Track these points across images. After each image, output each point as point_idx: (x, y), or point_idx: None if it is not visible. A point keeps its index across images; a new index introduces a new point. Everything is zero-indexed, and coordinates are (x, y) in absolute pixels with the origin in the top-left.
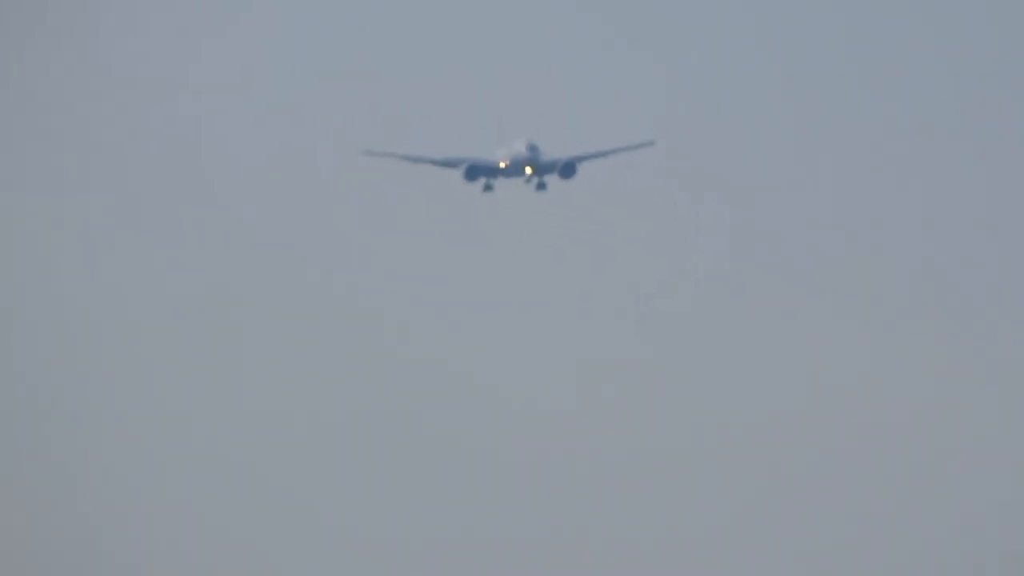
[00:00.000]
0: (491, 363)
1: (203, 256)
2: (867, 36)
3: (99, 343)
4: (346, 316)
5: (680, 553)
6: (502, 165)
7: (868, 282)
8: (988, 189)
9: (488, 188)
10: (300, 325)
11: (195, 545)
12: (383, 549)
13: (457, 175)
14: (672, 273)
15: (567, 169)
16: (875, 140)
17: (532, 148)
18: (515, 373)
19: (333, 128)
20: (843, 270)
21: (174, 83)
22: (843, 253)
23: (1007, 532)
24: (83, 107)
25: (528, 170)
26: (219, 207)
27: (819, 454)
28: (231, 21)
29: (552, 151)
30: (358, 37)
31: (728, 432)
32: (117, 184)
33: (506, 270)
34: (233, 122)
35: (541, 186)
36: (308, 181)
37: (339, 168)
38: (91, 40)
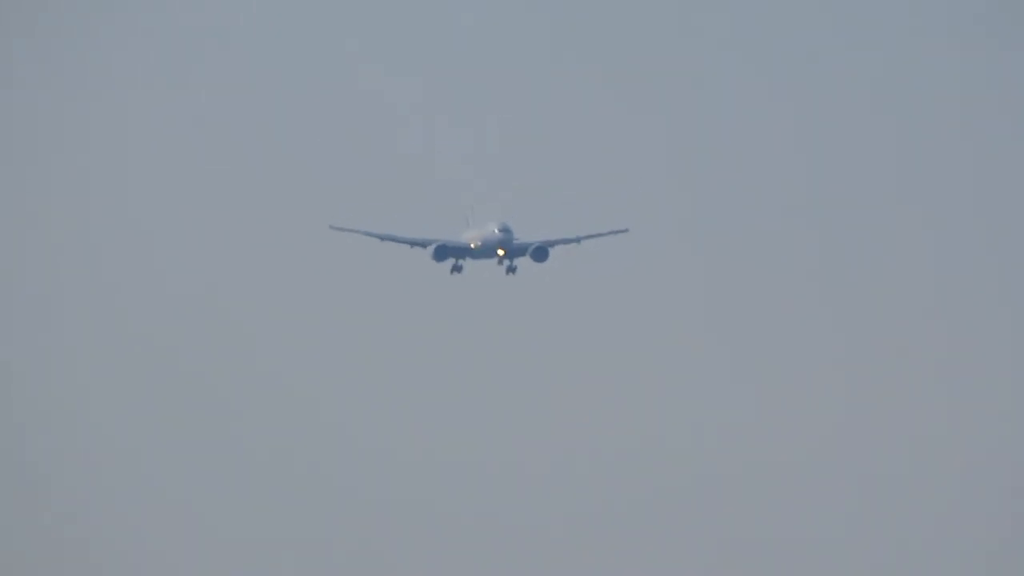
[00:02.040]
0: (459, 448)
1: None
2: (839, 120)
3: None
4: (305, 397)
5: None
6: (472, 246)
7: (847, 372)
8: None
9: (457, 269)
10: (262, 408)
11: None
12: None
13: (425, 255)
14: (643, 361)
15: (539, 253)
16: (854, 222)
17: (505, 230)
18: (485, 457)
19: (301, 202)
20: (821, 361)
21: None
22: (820, 343)
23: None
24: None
25: (500, 252)
26: (179, 283)
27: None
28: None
29: (525, 234)
30: (328, 113)
31: (711, 516)
32: (63, 262)
33: (473, 354)
34: (198, 194)
35: (512, 269)
36: (272, 256)
37: (306, 244)
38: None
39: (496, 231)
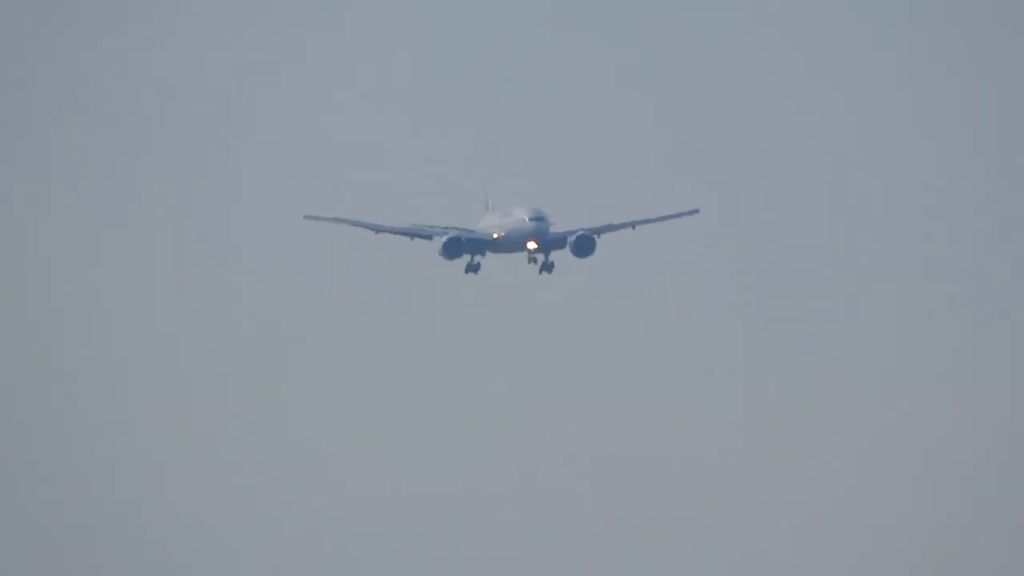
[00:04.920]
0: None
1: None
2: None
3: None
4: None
5: None
6: (495, 237)
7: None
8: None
9: (473, 268)
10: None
11: None
12: None
13: (433, 250)
14: (717, 390)
15: (583, 244)
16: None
17: (538, 217)
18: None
19: (278, 193)
20: (869, 369)
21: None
22: (862, 350)
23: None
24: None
25: (531, 245)
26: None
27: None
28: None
29: (562, 222)
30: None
31: (747, 532)
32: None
33: (495, 380)
34: (186, 191)
35: (547, 267)
36: (249, 247)
37: (278, 238)
38: None
39: (526, 219)
